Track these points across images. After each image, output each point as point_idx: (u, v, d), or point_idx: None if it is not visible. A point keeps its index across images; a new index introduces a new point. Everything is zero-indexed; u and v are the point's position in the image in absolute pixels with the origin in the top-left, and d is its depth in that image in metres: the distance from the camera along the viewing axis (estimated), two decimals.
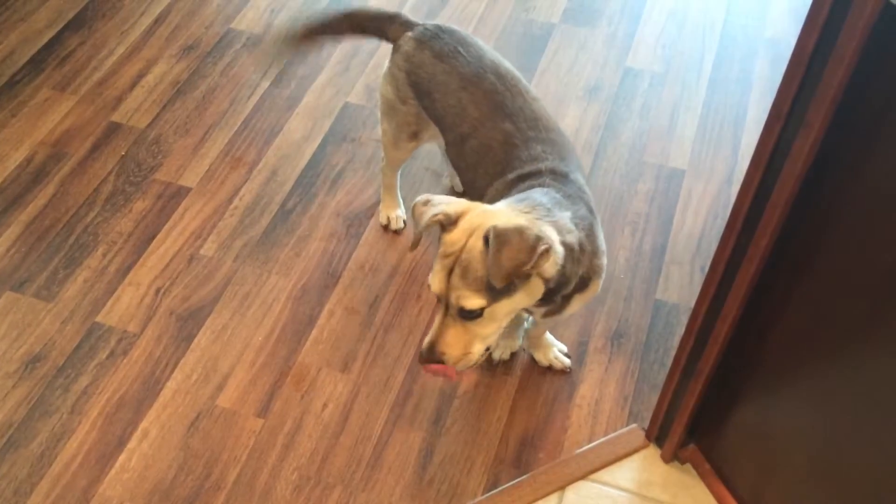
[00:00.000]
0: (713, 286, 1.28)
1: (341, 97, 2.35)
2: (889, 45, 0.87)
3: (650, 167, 2.17)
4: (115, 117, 2.29)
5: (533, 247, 1.19)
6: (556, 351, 1.78)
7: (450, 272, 1.25)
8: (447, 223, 1.28)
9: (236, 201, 2.09)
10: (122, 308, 1.88)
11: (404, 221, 2.03)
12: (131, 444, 1.67)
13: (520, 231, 1.20)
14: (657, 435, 1.64)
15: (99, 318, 1.86)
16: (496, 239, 1.19)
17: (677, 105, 2.32)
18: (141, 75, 2.40)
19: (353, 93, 2.36)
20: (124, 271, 1.95)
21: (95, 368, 1.78)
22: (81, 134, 2.25)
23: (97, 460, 1.65)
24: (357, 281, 1.94)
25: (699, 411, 1.50)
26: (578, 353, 1.82)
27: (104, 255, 1.98)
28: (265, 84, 2.37)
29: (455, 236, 1.27)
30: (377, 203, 2.08)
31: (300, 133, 2.25)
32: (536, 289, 1.30)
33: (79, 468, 1.64)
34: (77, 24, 2.55)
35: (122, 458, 1.65)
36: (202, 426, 1.70)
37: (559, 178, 1.42)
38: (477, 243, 1.24)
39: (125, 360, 1.79)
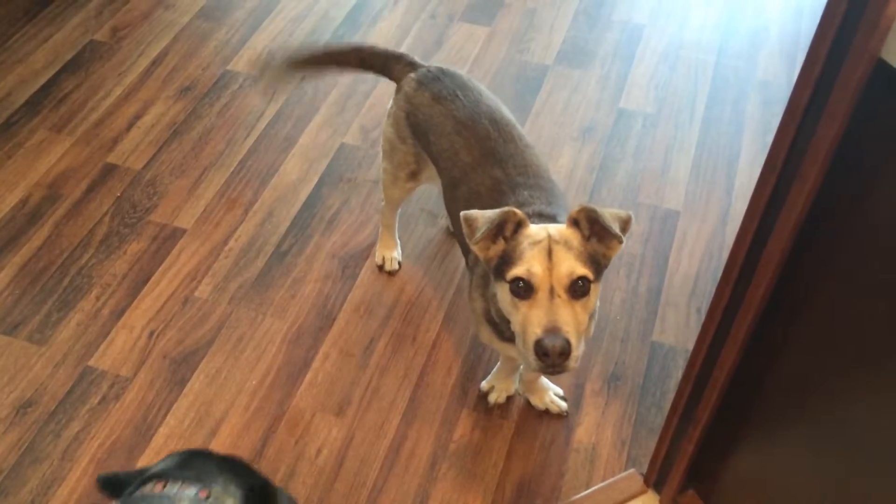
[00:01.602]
0: (710, 333, 1.28)
1: (337, 138, 2.36)
2: (882, 101, 0.88)
3: (645, 208, 2.18)
4: (111, 158, 2.29)
5: (618, 213, 1.30)
6: (552, 394, 1.77)
7: (548, 253, 1.24)
8: (523, 219, 1.30)
9: (231, 243, 2.09)
10: (115, 351, 1.87)
11: (399, 263, 2.03)
12: None
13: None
14: (656, 480, 1.62)
15: (91, 362, 1.85)
16: (590, 208, 1.26)
17: (671, 146, 2.34)
18: (137, 116, 2.41)
19: (348, 133, 2.37)
20: (118, 314, 1.94)
21: (87, 413, 1.76)
22: (77, 175, 2.25)
23: None
24: (352, 323, 1.93)
25: (698, 456, 1.49)
26: (575, 395, 1.80)
27: (98, 298, 1.97)
28: (261, 125, 2.38)
29: (534, 230, 1.29)
30: (373, 244, 2.08)
31: (296, 174, 2.26)
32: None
33: None
34: (74, 65, 2.56)
35: None
36: None
37: (546, 219, 1.44)
38: (564, 228, 1.29)
39: (117, 405, 1.77)
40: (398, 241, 2.04)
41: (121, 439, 1.72)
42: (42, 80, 2.51)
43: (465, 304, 1.96)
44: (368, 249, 2.08)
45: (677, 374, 1.84)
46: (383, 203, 1.94)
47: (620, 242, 1.29)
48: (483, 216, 1.29)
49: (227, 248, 2.08)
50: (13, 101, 2.45)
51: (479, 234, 1.27)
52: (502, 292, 1.29)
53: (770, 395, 1.28)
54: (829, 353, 1.13)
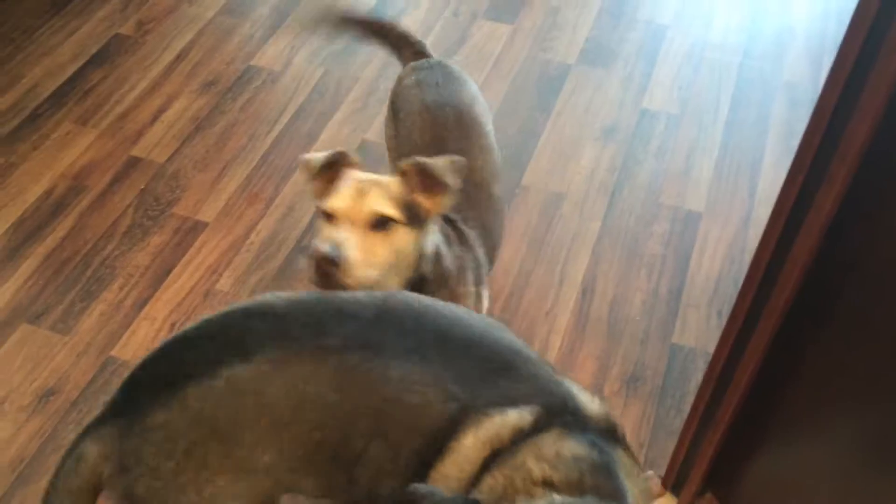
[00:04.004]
0: (732, 336, 1.27)
1: (359, 134, 2.37)
2: None
3: (666, 209, 2.16)
4: (135, 151, 2.31)
5: (451, 159, 1.35)
6: None
7: (360, 191, 1.32)
8: (354, 161, 1.40)
9: (252, 237, 2.10)
10: (137, 342, 1.88)
11: None
12: None
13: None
14: (674, 483, 1.61)
15: (114, 353, 1.86)
16: (420, 161, 1.34)
17: (693, 147, 2.32)
18: (161, 110, 2.43)
19: (370, 130, 2.38)
20: (140, 305, 1.95)
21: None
22: (101, 167, 2.27)
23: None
24: None
25: (717, 460, 1.48)
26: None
27: (121, 289, 1.98)
28: (283, 120, 2.39)
29: (360, 173, 1.37)
30: None
31: None
32: (421, 240, 1.37)
33: None
34: (100, 59, 2.59)
35: None
36: None
37: (447, 223, 1.52)
38: (388, 177, 1.36)
39: None
40: None
41: None
42: (68, 73, 2.54)
43: None
44: None
45: (697, 376, 1.83)
46: None
47: (450, 194, 1.37)
48: (317, 157, 1.39)
49: (248, 242, 2.09)
50: (39, 93, 2.48)
51: (311, 175, 1.38)
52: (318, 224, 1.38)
53: (792, 398, 1.27)
54: (855, 356, 1.11)
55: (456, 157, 1.37)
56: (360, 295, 1.10)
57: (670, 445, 1.69)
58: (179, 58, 2.60)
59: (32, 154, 2.30)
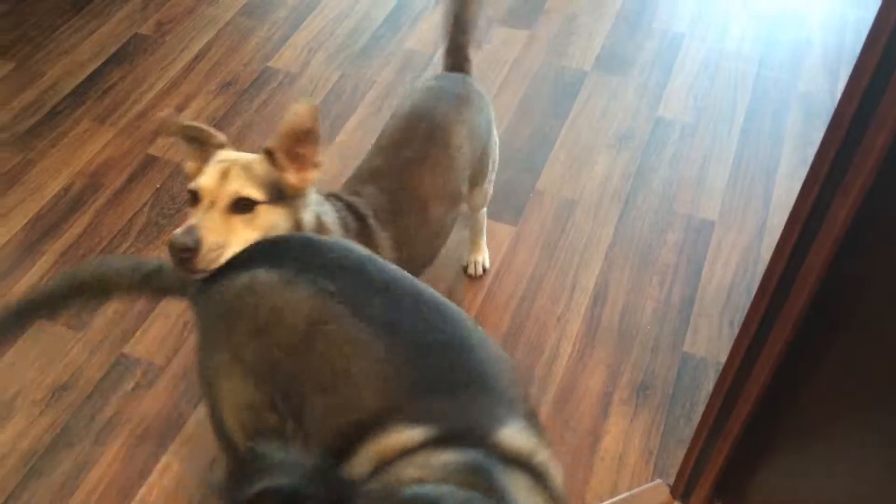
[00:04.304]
0: (745, 345, 1.27)
1: (373, 137, 2.37)
2: None
3: (679, 217, 2.16)
4: (152, 150, 2.33)
5: (312, 115, 1.34)
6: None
7: (224, 173, 1.31)
8: (225, 142, 1.39)
9: None
10: (149, 340, 1.90)
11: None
12: (152, 478, 1.67)
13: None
14: (683, 492, 1.61)
15: (126, 349, 1.88)
16: (280, 141, 1.34)
17: (708, 156, 2.32)
18: (179, 110, 2.45)
19: None
20: (154, 303, 1.97)
21: (120, 399, 1.79)
22: (118, 165, 2.29)
23: (118, 492, 1.65)
24: None
25: (726, 470, 1.48)
26: (603, 403, 1.80)
27: None
28: None
29: (225, 154, 1.36)
30: None
31: (332, 171, 2.28)
32: (294, 216, 1.36)
33: (99, 500, 1.64)
34: (119, 58, 2.61)
35: (142, 491, 1.65)
36: None
37: (349, 211, 1.52)
38: (255, 156, 1.35)
39: (150, 392, 1.80)
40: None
41: (153, 426, 1.75)
42: (87, 72, 2.56)
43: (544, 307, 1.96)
44: None
45: (708, 385, 1.83)
46: None
47: (318, 167, 1.38)
48: (191, 124, 1.40)
49: None
50: (59, 90, 2.50)
51: (167, 134, 1.42)
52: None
53: (804, 409, 1.27)
54: (870, 367, 1.11)
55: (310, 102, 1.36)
56: (391, 266, 1.15)
57: (680, 454, 1.68)
58: (197, 58, 2.62)
59: (51, 151, 2.32)
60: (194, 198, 1.31)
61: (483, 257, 2.02)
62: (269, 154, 1.35)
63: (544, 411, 1.78)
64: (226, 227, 1.28)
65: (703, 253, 2.08)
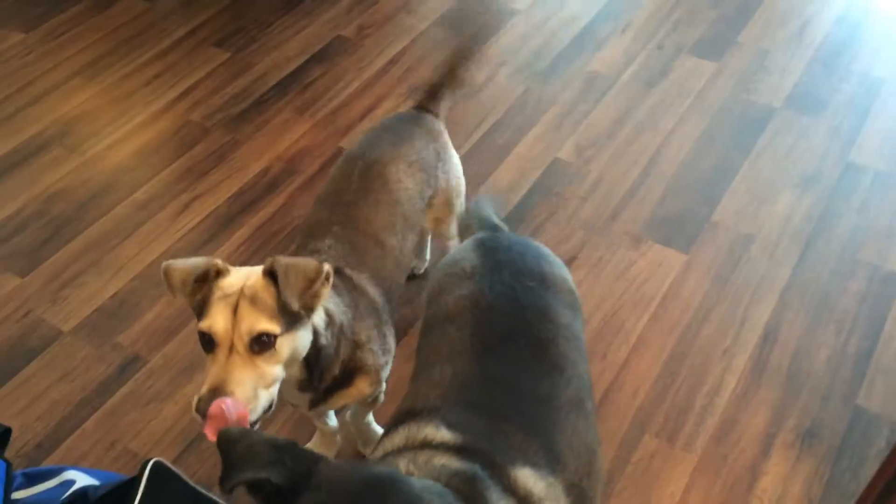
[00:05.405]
0: None
1: (551, 152, 2.43)
2: None
3: (864, 266, 2.07)
4: (343, 143, 2.50)
5: (317, 268, 1.22)
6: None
7: (234, 309, 1.20)
8: (223, 269, 1.25)
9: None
10: None
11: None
12: None
13: (300, 258, 1.24)
14: None
15: None
16: (282, 264, 1.21)
17: None
18: (370, 109, 2.61)
19: (563, 149, 2.44)
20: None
21: None
22: (312, 154, 2.47)
23: None
24: None
25: None
26: (764, 444, 1.75)
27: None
28: (481, 131, 2.50)
29: (231, 280, 1.23)
30: (574, 258, 2.13)
31: (507, 181, 2.35)
32: (310, 328, 1.28)
33: None
34: (321, 56, 2.81)
35: None
36: None
37: (340, 276, 1.45)
38: (258, 280, 1.22)
39: None
40: None
41: None
42: (292, 67, 2.78)
43: (654, 330, 1.96)
44: (570, 263, 2.12)
45: (880, 443, 1.74)
46: None
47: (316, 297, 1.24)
48: (183, 269, 1.24)
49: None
50: (266, 81, 2.73)
51: (178, 294, 1.24)
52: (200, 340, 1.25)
53: None
54: None
55: (310, 266, 1.23)
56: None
57: None
58: (392, 62, 2.78)
59: (255, 135, 2.54)
60: (205, 340, 1.21)
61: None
62: (271, 275, 1.23)
63: (703, 440, 1.76)
64: (254, 373, 1.20)
65: (886, 306, 1.98)
